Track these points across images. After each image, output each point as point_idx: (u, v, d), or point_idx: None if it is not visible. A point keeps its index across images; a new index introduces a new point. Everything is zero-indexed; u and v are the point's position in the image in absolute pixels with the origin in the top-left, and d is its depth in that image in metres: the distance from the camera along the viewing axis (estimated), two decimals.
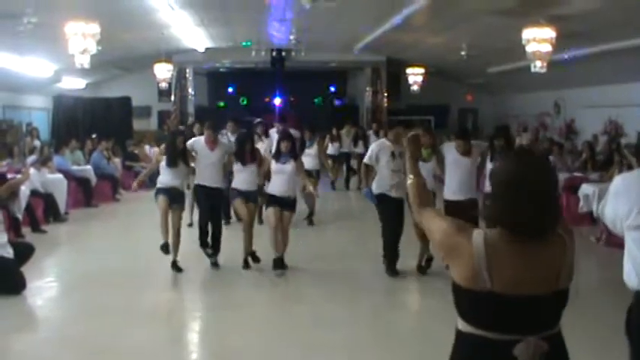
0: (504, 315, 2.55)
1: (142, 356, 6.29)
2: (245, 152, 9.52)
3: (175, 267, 9.46)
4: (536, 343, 2.54)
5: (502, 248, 2.56)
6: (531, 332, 2.55)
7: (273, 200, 9.29)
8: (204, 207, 9.80)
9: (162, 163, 9.49)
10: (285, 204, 9.29)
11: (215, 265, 9.77)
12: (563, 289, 2.63)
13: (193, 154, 9.60)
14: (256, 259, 9.75)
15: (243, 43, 19.73)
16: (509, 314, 2.55)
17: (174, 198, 9.39)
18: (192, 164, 9.79)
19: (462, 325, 2.67)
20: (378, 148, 9.30)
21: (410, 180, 3.13)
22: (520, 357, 2.52)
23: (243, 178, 9.54)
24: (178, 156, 9.40)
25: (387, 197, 9.10)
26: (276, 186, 9.29)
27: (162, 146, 9.98)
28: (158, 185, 9.50)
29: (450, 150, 9.04)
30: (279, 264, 9.35)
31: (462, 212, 7.63)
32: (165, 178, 9.44)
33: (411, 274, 9.44)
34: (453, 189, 8.92)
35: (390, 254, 9.22)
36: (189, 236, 10.37)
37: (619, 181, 3.79)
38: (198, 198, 9.90)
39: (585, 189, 12.26)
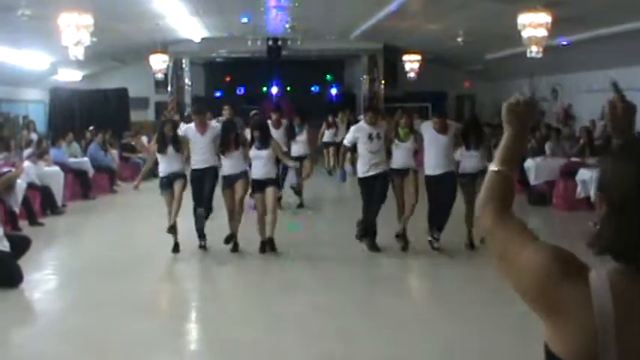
0: None
1: (141, 347, 6.29)
2: (230, 141, 9.73)
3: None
4: None
5: (636, 297, 1.56)
6: None
7: (256, 185, 9.70)
8: (197, 195, 9.97)
9: (157, 153, 9.83)
10: (268, 184, 9.68)
11: (204, 247, 10.05)
12: None
13: (186, 139, 9.89)
14: (233, 242, 9.93)
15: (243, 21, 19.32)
16: None
17: (174, 179, 9.70)
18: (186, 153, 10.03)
19: None
20: (356, 130, 9.79)
21: (495, 169, 1.95)
22: None
23: (227, 164, 9.77)
24: (167, 142, 9.71)
25: (366, 179, 9.57)
26: (256, 170, 9.72)
27: (155, 135, 10.22)
28: (160, 175, 9.86)
29: (428, 129, 9.56)
30: (265, 248, 9.68)
31: (440, 185, 9.33)
32: (163, 166, 9.78)
33: (408, 258, 9.49)
34: (432, 165, 9.46)
35: (369, 232, 9.73)
36: (187, 228, 10.36)
37: None
38: (192, 184, 10.02)
39: (583, 174, 12.27)
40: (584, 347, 1.56)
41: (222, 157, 9.77)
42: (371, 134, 9.51)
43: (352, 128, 10.18)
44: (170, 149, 9.69)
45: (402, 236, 9.77)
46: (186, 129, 10.11)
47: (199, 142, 9.85)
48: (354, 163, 10.71)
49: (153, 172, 10.24)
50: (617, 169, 1.66)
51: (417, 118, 14.38)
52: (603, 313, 1.54)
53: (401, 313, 7.39)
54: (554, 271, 1.63)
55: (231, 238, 9.86)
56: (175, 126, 10.25)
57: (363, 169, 9.63)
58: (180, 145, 9.79)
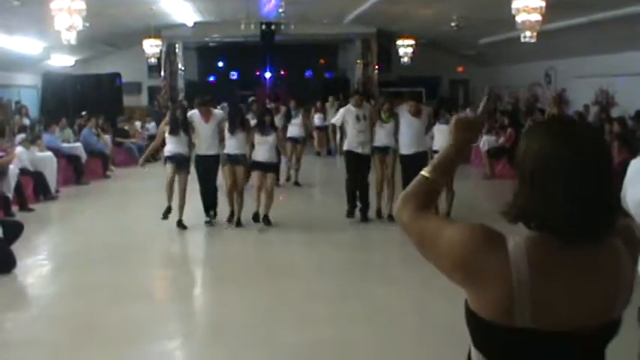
0: (540, 356, 1.88)
1: (133, 333, 6.29)
2: (235, 124, 10.50)
3: (180, 225, 10.43)
4: None
5: (547, 260, 1.83)
6: None
7: (257, 166, 10.49)
8: (203, 177, 10.67)
9: (167, 134, 10.49)
10: (268, 168, 10.60)
11: (209, 223, 10.71)
12: (617, 319, 1.94)
13: (192, 125, 10.60)
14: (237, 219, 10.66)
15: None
16: (547, 355, 1.87)
17: (180, 163, 10.40)
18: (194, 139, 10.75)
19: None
20: (344, 112, 10.96)
21: (426, 175, 2.09)
22: None
23: (231, 144, 10.48)
24: (179, 125, 10.43)
25: (353, 153, 10.71)
26: (260, 153, 10.51)
27: (166, 118, 10.86)
28: (165, 154, 10.61)
29: (404, 112, 10.63)
30: (258, 218, 10.58)
31: (414, 163, 9.74)
32: (171, 146, 10.47)
33: (402, 242, 9.50)
34: (406, 144, 10.48)
35: (352, 201, 10.86)
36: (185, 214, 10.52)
37: (633, 165, 3.48)
38: (197, 168, 10.72)
39: None
40: (501, 306, 1.81)
41: (228, 136, 10.43)
42: (358, 115, 10.68)
43: (341, 110, 11.34)
44: (181, 132, 10.43)
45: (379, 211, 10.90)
46: (192, 115, 10.72)
47: (204, 128, 10.56)
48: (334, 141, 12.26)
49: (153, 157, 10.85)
50: (528, 145, 1.89)
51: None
52: (519, 273, 1.79)
53: (395, 298, 7.41)
54: (475, 241, 1.84)
55: (232, 216, 10.66)
56: (185, 111, 10.96)
57: (350, 143, 10.75)
58: (188, 128, 10.53)
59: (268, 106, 13.91)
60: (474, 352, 1.99)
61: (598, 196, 1.82)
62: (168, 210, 10.37)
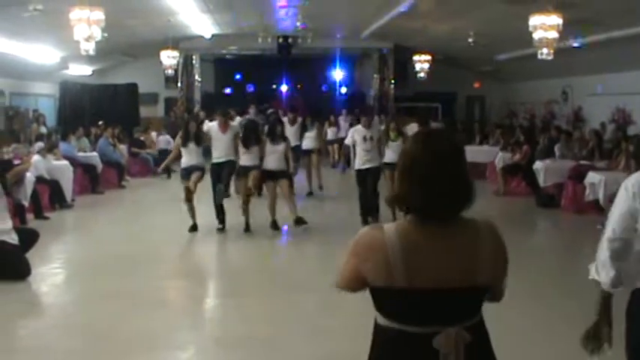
0: (422, 308, 2.43)
1: (147, 342, 6.29)
2: (250, 139, 11.03)
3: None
4: (457, 334, 2.43)
5: (414, 237, 2.43)
6: (451, 323, 2.44)
7: (269, 175, 11.07)
8: (215, 184, 11.00)
9: (181, 147, 11.00)
10: (280, 175, 11.10)
11: (222, 230, 11.10)
12: (483, 287, 2.48)
13: (209, 135, 11.15)
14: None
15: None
16: (427, 307, 2.43)
17: (194, 171, 10.84)
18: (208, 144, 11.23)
19: (380, 319, 2.57)
20: (354, 132, 11.83)
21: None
22: (441, 349, 2.42)
23: (246, 157, 11.02)
24: (190, 138, 10.90)
25: (361, 171, 11.53)
26: (270, 162, 11.10)
27: (180, 132, 11.36)
28: (182, 166, 11.10)
29: (414, 131, 11.14)
30: (276, 225, 11.14)
31: None
32: (185, 159, 10.98)
33: None
34: None
35: (364, 212, 11.57)
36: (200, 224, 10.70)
37: (631, 182, 3.45)
38: (211, 176, 11.12)
39: (592, 177, 12.22)
40: (386, 274, 2.42)
41: (242, 150, 10.95)
42: (365, 136, 11.43)
43: (350, 130, 12.31)
44: (192, 144, 10.89)
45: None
46: (210, 127, 11.47)
47: (221, 139, 11.08)
48: (349, 161, 12.91)
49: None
50: (403, 149, 2.56)
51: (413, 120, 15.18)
52: (393, 247, 2.41)
53: None
54: (360, 242, 2.59)
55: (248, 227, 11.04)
56: (199, 123, 11.52)
57: (358, 162, 11.57)
58: (201, 140, 11.01)
59: (284, 118, 14.30)
60: (376, 314, 2.58)
61: (449, 189, 2.42)
62: (194, 227, 10.95)
